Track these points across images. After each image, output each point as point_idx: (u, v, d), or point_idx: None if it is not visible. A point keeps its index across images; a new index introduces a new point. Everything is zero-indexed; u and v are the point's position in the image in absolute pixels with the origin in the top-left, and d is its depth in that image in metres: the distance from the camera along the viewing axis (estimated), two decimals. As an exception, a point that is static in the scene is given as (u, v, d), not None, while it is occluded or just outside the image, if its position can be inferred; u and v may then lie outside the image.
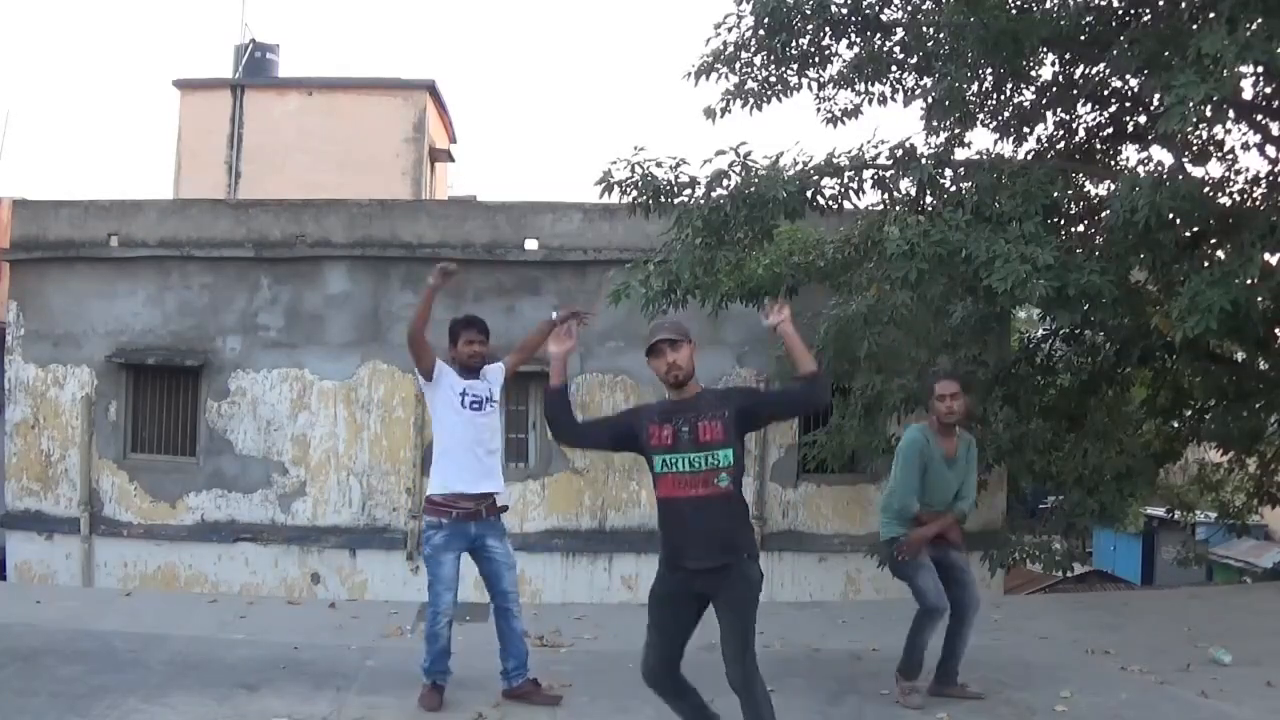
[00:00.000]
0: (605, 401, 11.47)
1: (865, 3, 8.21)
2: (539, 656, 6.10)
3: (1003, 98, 9.33)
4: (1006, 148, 9.41)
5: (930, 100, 8.77)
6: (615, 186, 7.71)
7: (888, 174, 7.96)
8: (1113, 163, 9.86)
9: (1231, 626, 6.73)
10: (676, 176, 7.79)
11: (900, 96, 9.06)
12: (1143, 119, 9.39)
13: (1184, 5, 7.55)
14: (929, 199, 8.15)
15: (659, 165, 7.76)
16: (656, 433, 3.86)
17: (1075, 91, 9.36)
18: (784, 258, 8.33)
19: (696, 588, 3.83)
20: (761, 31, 8.21)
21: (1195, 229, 7.94)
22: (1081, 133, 9.92)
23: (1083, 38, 8.32)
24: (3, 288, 12.35)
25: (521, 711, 5.00)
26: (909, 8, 8.44)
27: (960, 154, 9.16)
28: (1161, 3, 8.00)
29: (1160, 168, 7.99)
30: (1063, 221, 8.67)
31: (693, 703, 3.97)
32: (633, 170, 7.70)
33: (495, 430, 5.15)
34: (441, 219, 12.01)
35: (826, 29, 8.31)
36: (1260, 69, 7.16)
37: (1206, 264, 7.48)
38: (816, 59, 8.60)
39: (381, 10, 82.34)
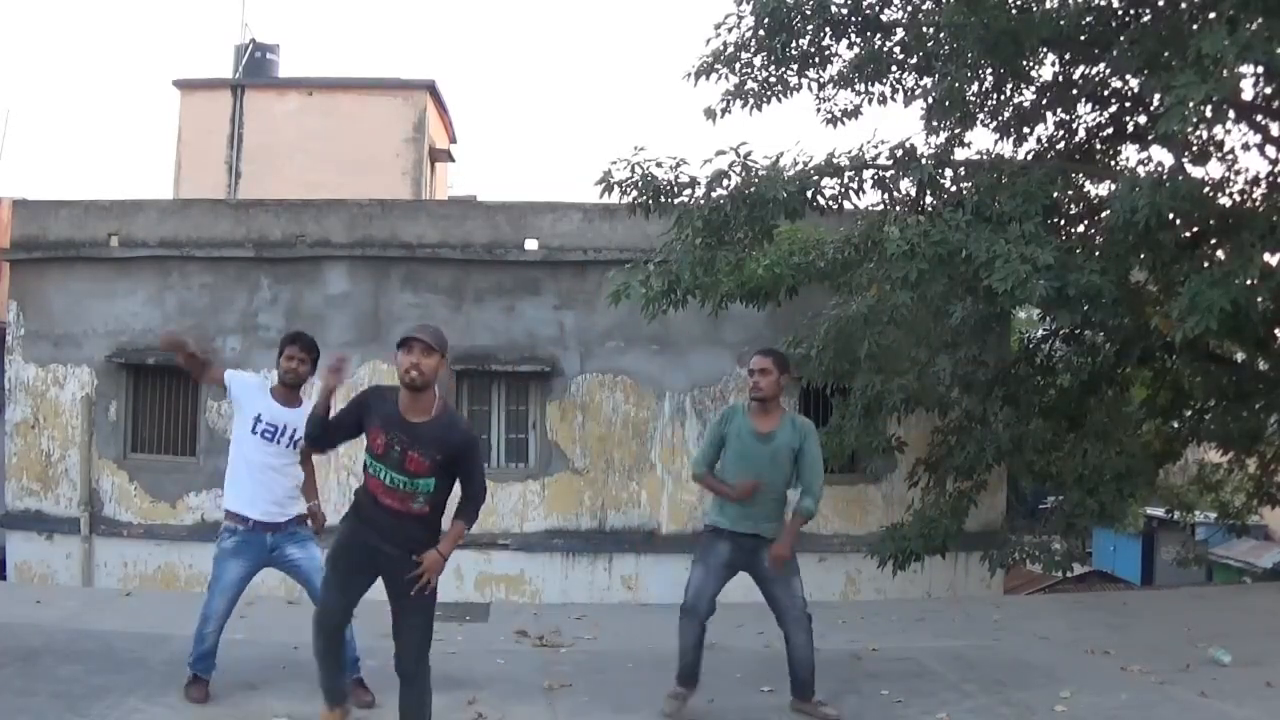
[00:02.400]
0: (605, 401, 11.48)
1: (865, 3, 8.22)
2: (539, 656, 6.13)
3: (1003, 98, 9.33)
4: (1006, 148, 9.42)
5: (930, 100, 8.78)
6: (615, 186, 7.70)
7: (888, 174, 7.95)
8: (1113, 163, 9.86)
9: (1231, 626, 6.73)
10: (676, 177, 7.79)
11: (900, 96, 9.07)
12: (1143, 119, 9.39)
13: (1184, 5, 7.55)
14: (929, 199, 8.15)
15: (659, 165, 7.75)
16: (374, 436, 3.97)
17: (1075, 91, 9.36)
18: (784, 258, 8.32)
19: (379, 564, 4.03)
20: (761, 32, 8.22)
21: (1195, 229, 7.95)
22: (1081, 133, 9.91)
23: (1083, 38, 8.32)
24: (3, 288, 12.33)
25: (520, 711, 5.00)
26: (909, 8, 8.45)
27: (960, 154, 9.17)
28: (1161, 3, 8.00)
29: (1160, 168, 7.99)
30: (1063, 221, 8.67)
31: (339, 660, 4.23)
32: (633, 170, 7.69)
33: (287, 458, 5.03)
34: (441, 219, 12.00)
35: (826, 29, 8.31)
36: (1260, 69, 7.16)
37: (1206, 264, 7.48)
38: (816, 59, 8.60)
39: (381, 10, 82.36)
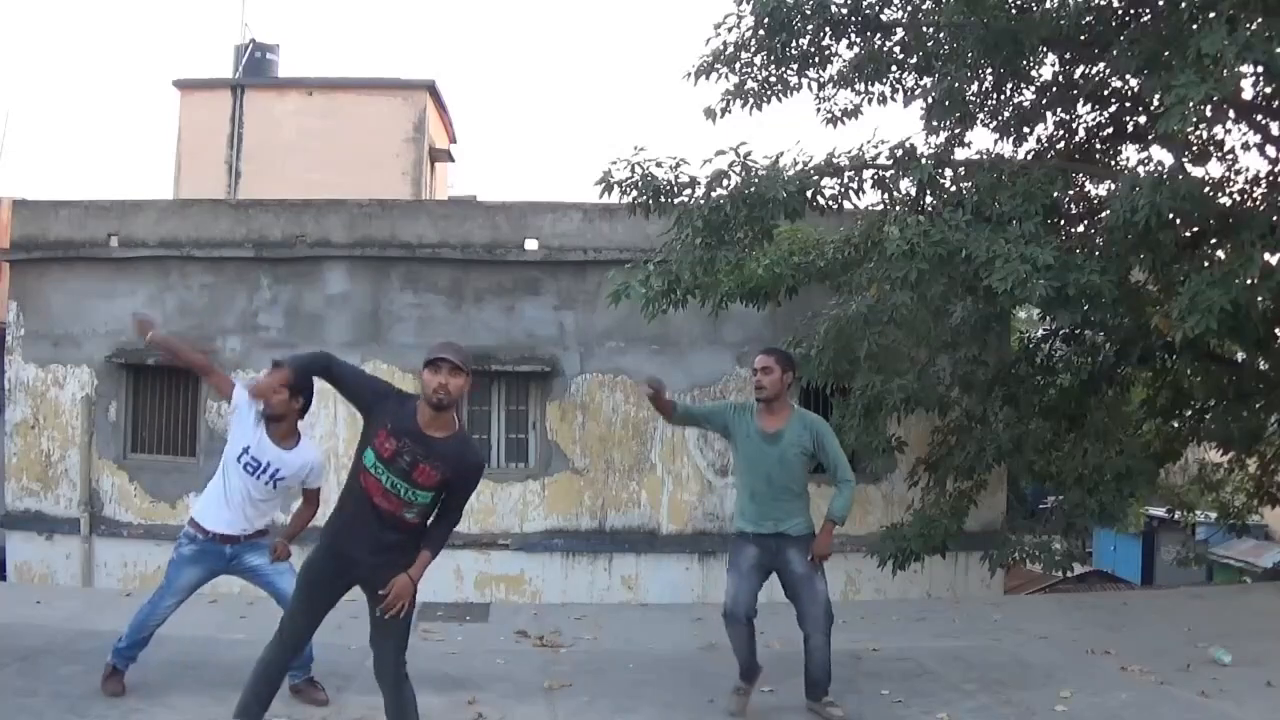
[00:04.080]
0: (605, 401, 11.48)
1: (865, 3, 8.21)
2: (539, 656, 6.12)
3: (1003, 98, 9.33)
4: (1006, 148, 9.41)
5: (930, 100, 8.77)
6: (615, 186, 7.70)
7: (888, 174, 7.95)
8: (1113, 163, 9.86)
9: (1231, 626, 6.74)
10: (676, 176, 7.78)
11: (900, 96, 9.06)
12: (1143, 119, 9.38)
13: (1184, 5, 7.54)
14: (929, 199, 8.14)
15: (659, 165, 7.74)
16: (383, 439, 3.93)
17: (1075, 91, 9.36)
18: (784, 258, 8.32)
19: (355, 574, 4.01)
20: (761, 31, 8.21)
21: (1195, 229, 7.94)
22: (1081, 133, 9.91)
23: (1083, 38, 8.31)
24: (3, 288, 12.34)
25: (520, 711, 5.00)
26: (909, 8, 8.44)
27: (960, 154, 9.16)
28: (1161, 3, 8.00)
29: (1160, 168, 7.99)
30: (1063, 221, 8.67)
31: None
32: (633, 170, 7.69)
33: (267, 494, 4.96)
34: (441, 219, 12.00)
35: (826, 29, 8.31)
36: (1260, 69, 7.14)
37: (1206, 264, 7.47)
38: (816, 59, 8.59)
39: (381, 10, 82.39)
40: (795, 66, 8.56)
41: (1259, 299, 6.93)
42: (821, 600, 4.94)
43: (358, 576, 4.02)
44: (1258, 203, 8.62)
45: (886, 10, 8.39)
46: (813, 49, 8.46)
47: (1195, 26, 6.85)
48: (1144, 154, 9.78)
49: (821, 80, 8.84)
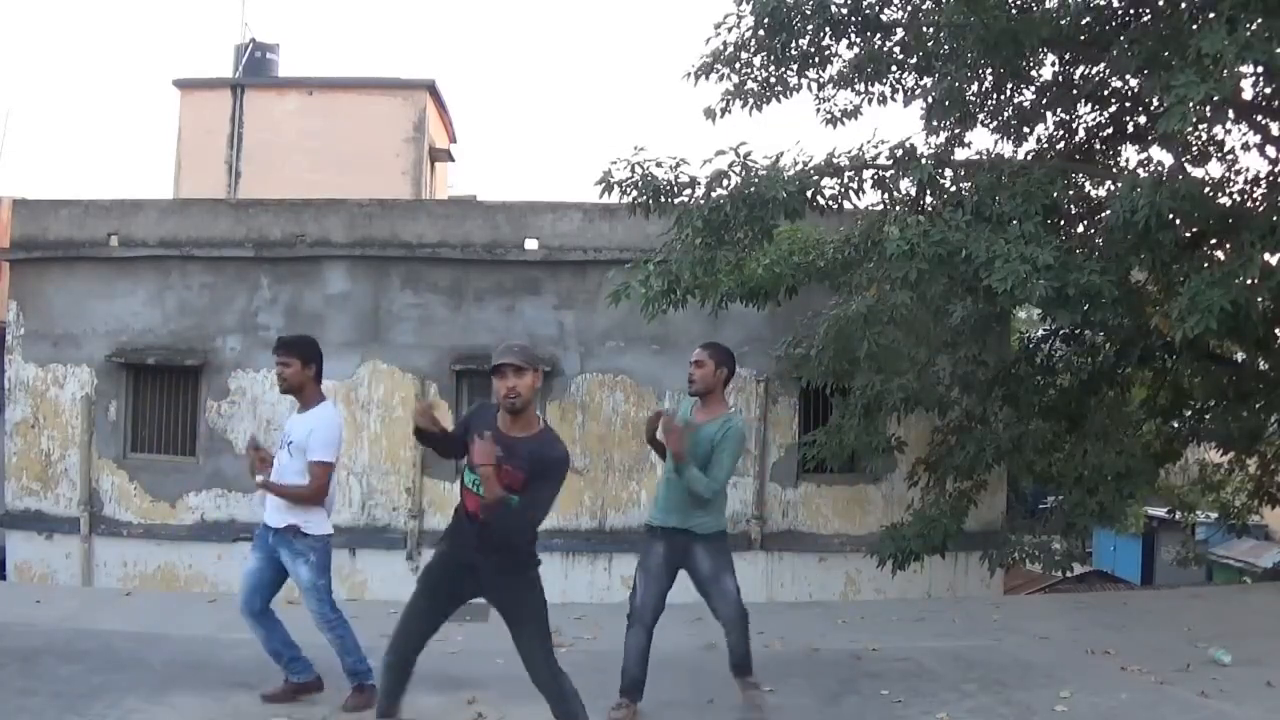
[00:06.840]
0: (605, 401, 11.48)
1: (865, 3, 8.21)
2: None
3: (1003, 98, 9.33)
4: (1006, 148, 9.43)
5: (930, 100, 8.78)
6: (615, 186, 7.69)
7: (888, 174, 7.95)
8: (1113, 163, 9.87)
9: (1231, 626, 6.74)
10: (676, 176, 7.78)
11: (900, 96, 9.07)
12: (1143, 119, 9.39)
13: (1184, 5, 7.55)
14: (929, 199, 8.15)
15: (659, 165, 7.74)
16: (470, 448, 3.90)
17: (1075, 91, 9.37)
18: (784, 258, 8.32)
19: (477, 579, 4.12)
20: (761, 32, 8.21)
21: (1195, 229, 7.95)
22: (1081, 133, 9.92)
23: (1083, 38, 8.32)
24: (3, 288, 12.34)
25: (520, 711, 4.99)
26: (909, 8, 8.45)
27: (960, 154, 9.18)
28: (1161, 3, 8.00)
29: (1160, 168, 7.99)
30: (1063, 221, 8.67)
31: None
32: (633, 170, 7.68)
33: (290, 471, 4.87)
34: (441, 219, 12.00)
35: (826, 29, 8.31)
36: (1260, 69, 7.15)
37: (1206, 264, 7.48)
38: (816, 59, 8.60)
39: (381, 10, 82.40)
40: (795, 67, 8.56)
41: (1259, 299, 6.94)
42: (732, 598, 4.83)
43: (482, 581, 4.11)
44: (1258, 203, 8.63)
45: (886, 10, 8.39)
46: (813, 49, 8.46)
47: (1195, 26, 6.86)
48: (1144, 154, 9.81)
49: (821, 80, 8.84)
